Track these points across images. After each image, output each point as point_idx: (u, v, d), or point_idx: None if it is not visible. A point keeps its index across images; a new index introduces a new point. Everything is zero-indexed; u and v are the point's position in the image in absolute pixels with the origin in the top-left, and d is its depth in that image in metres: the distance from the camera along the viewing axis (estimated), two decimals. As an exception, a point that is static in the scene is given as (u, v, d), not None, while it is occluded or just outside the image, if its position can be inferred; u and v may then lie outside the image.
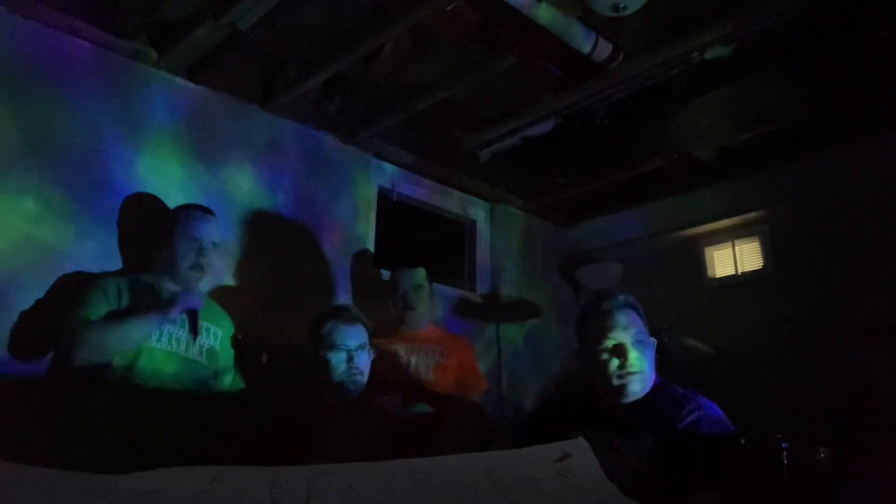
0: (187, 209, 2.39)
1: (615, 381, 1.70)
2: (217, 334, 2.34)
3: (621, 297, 1.78)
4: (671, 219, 4.09)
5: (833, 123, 3.24)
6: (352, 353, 2.17)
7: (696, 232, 4.01)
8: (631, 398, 1.71)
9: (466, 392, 2.75)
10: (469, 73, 2.85)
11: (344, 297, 3.14)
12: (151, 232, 2.42)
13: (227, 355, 2.37)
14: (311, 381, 2.19)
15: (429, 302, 2.95)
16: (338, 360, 2.15)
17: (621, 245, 4.28)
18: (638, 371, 1.69)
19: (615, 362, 1.70)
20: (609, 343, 1.71)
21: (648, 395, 1.71)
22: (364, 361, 2.20)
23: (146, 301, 2.15)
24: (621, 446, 1.65)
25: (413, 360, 2.76)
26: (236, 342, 2.40)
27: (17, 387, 2.11)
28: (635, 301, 1.79)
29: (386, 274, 3.46)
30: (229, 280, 2.77)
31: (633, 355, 1.69)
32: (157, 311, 2.08)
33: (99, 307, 2.09)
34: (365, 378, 2.21)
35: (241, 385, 2.39)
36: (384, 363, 2.51)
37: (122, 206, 2.51)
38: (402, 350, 2.78)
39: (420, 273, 2.93)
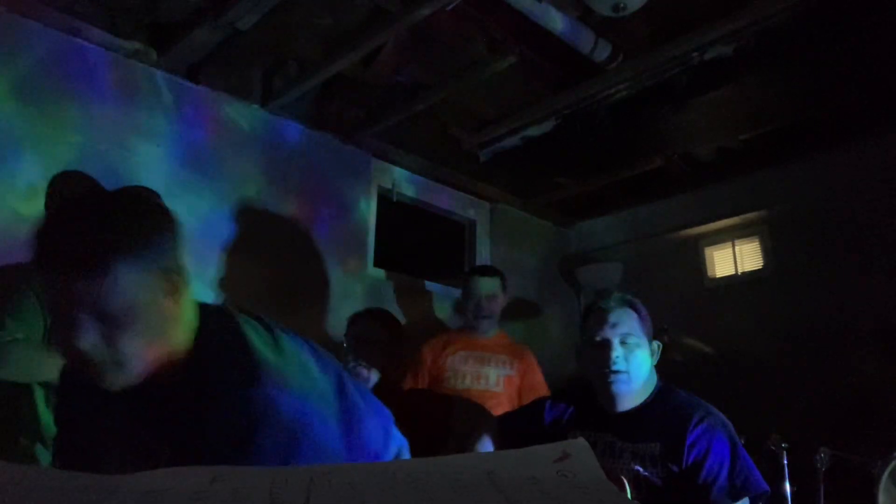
0: None
1: (600, 381, 1.68)
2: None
3: (617, 296, 1.75)
4: (671, 219, 4.09)
5: (833, 123, 3.24)
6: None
7: (696, 232, 4.00)
8: (619, 399, 1.67)
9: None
10: (469, 73, 2.85)
11: (343, 297, 3.14)
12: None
13: None
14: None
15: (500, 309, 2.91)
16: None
17: (621, 245, 4.28)
18: (622, 371, 1.64)
19: (598, 360, 1.66)
20: (595, 339, 1.68)
21: (652, 399, 1.68)
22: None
23: None
24: (624, 451, 1.64)
25: (485, 369, 2.78)
26: None
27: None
28: (634, 301, 1.74)
29: (381, 272, 3.47)
30: (229, 279, 2.77)
31: (617, 353, 1.64)
32: None
33: (29, 320, 1.82)
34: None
35: None
36: (454, 371, 2.73)
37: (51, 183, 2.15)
38: (472, 358, 2.80)
39: (496, 282, 2.88)
